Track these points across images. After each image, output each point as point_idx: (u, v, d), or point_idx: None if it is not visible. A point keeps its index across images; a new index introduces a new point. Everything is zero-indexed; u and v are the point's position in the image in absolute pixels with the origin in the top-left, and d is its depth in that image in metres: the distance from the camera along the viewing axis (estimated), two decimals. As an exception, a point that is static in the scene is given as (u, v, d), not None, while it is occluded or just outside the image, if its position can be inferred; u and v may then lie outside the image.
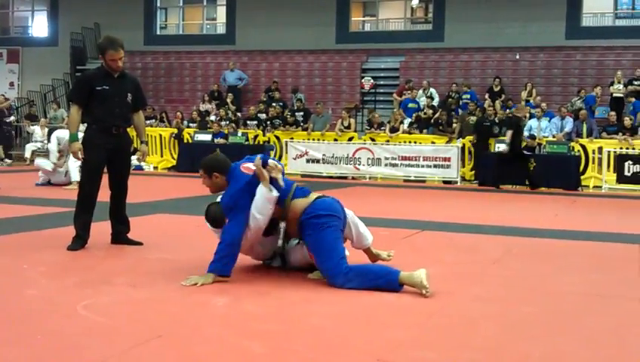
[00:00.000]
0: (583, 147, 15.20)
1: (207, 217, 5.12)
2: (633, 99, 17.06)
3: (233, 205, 4.80)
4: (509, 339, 3.64)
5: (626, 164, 14.46)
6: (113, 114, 5.99)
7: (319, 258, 4.74)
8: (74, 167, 11.33)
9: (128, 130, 6.28)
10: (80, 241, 5.90)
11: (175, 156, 18.00)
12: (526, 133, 15.79)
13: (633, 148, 14.88)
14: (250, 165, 4.97)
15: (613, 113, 16.22)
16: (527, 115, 16.37)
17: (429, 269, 5.45)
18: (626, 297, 4.73)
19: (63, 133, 12.04)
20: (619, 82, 17.47)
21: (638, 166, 14.35)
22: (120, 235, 6.18)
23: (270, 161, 4.96)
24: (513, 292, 4.76)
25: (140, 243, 6.13)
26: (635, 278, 5.40)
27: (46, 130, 16.58)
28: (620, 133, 15.30)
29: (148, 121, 17.88)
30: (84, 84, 6.12)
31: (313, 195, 5.00)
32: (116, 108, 6.00)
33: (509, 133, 14.33)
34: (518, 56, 20.41)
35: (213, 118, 18.88)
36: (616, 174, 14.56)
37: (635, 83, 17.52)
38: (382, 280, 4.60)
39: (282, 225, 4.95)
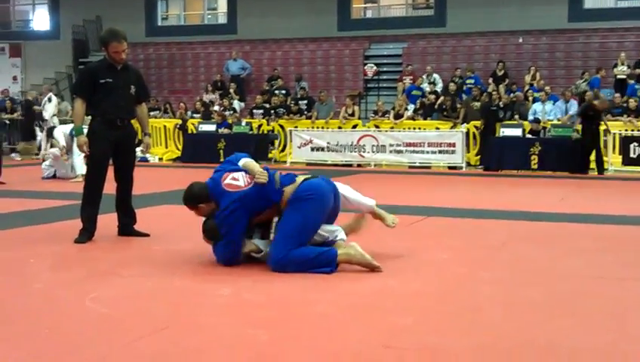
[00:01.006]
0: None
1: (204, 233, 5.05)
2: (632, 81, 16.96)
3: (225, 225, 4.82)
4: (515, 324, 3.64)
5: (632, 145, 14.39)
6: (117, 106, 5.99)
7: (277, 236, 4.82)
8: (79, 160, 11.35)
9: (132, 122, 6.30)
10: (87, 234, 5.92)
11: (180, 147, 18.01)
12: (530, 117, 15.78)
13: (639, 130, 14.82)
14: (233, 182, 4.93)
15: (617, 95, 16.15)
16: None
17: (435, 255, 5.48)
18: (632, 279, 4.73)
19: (66, 128, 12.04)
20: (622, 64, 17.38)
21: (643, 148, 14.30)
22: (126, 227, 6.20)
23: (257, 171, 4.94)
24: (519, 277, 4.77)
25: (147, 235, 6.16)
26: (636, 260, 5.39)
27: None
28: (625, 115, 15.24)
29: (152, 113, 17.89)
30: (87, 77, 6.13)
31: (300, 178, 5.01)
32: (120, 101, 6.01)
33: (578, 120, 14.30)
34: (521, 40, 20.31)
35: (216, 107, 18.86)
36: (622, 156, 14.51)
37: None
38: (319, 260, 4.70)
39: (275, 219, 4.95)
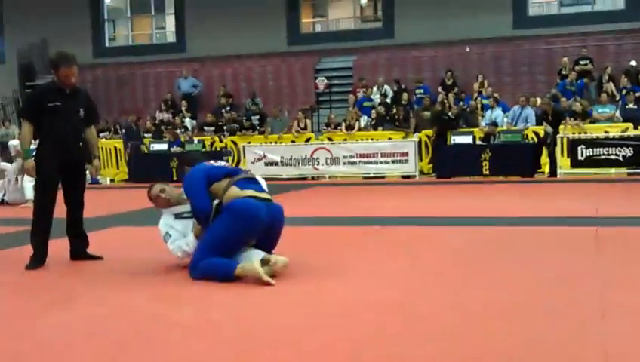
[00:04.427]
0: (537, 134, 15.43)
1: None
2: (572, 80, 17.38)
3: (187, 187, 5.29)
4: (473, 329, 3.66)
5: (579, 148, 14.71)
6: (65, 130, 5.89)
7: (201, 242, 5.11)
8: (29, 185, 11.12)
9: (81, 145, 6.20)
10: (38, 260, 5.78)
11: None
12: (482, 123, 16.04)
13: (585, 133, 15.16)
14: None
15: (564, 99, 16.49)
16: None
17: (392, 264, 5.50)
18: (584, 278, 4.81)
19: (17, 142, 11.77)
20: (566, 69, 17.79)
21: (590, 150, 14.62)
22: (79, 251, 6.08)
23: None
24: (475, 282, 4.81)
25: (100, 258, 6.05)
26: (592, 260, 5.50)
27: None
28: (572, 119, 15.56)
29: (101, 134, 17.69)
30: (35, 100, 6.02)
31: (248, 192, 5.09)
32: (68, 125, 5.90)
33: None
34: (468, 49, 20.64)
35: (169, 126, 18.70)
36: (570, 159, 14.81)
37: (582, 63, 17.88)
38: (219, 270, 4.90)
39: (215, 202, 5.14)
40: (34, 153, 6.00)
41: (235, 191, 5.06)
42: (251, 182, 5.24)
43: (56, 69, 5.87)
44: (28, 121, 5.92)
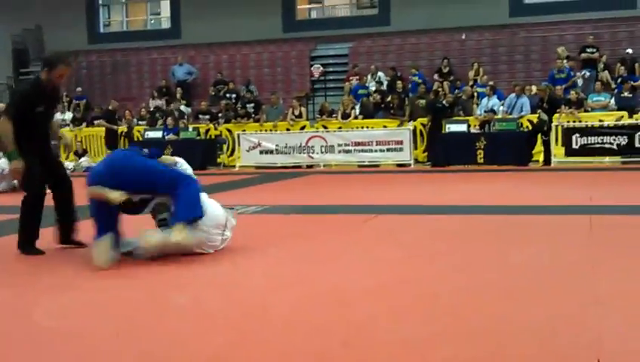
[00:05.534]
0: (532, 122, 15.42)
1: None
2: (567, 66, 17.34)
3: None
4: (472, 309, 3.70)
5: (574, 137, 14.72)
6: (44, 132, 5.94)
7: None
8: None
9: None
10: (29, 248, 5.77)
11: (127, 155, 17.76)
12: (478, 112, 16.03)
13: (580, 121, 15.16)
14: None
15: (559, 87, 16.47)
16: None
17: (387, 251, 5.51)
18: (578, 265, 4.83)
19: None
20: (562, 58, 17.71)
21: (585, 138, 14.63)
22: (70, 238, 6.06)
23: None
24: (470, 268, 4.82)
25: (85, 246, 6.02)
26: (585, 248, 5.52)
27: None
28: (567, 107, 15.54)
29: (96, 121, 17.65)
30: (26, 105, 5.83)
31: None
32: (47, 127, 5.96)
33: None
34: (464, 37, 20.59)
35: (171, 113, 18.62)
36: (565, 147, 14.83)
37: (588, 50, 17.75)
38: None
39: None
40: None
41: None
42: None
43: (50, 68, 5.76)
44: (12, 121, 5.72)
